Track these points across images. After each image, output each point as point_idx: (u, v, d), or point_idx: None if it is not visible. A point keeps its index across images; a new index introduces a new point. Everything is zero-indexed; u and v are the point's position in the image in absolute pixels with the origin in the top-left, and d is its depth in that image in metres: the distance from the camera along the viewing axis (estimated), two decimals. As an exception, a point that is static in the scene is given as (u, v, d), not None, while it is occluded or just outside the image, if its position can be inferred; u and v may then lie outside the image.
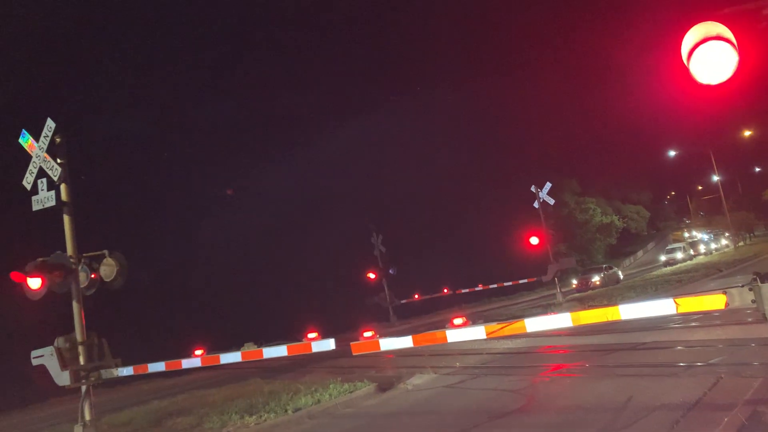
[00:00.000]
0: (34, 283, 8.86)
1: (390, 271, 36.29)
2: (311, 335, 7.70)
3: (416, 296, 37.74)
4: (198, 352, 10.11)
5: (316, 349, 7.41)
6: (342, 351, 8.33)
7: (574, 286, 39.37)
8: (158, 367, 9.65)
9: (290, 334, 16.53)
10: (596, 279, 37.42)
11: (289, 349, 7.91)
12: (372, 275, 36.41)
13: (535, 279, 33.25)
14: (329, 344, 7.31)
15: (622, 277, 40.47)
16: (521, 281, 34.97)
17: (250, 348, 8.47)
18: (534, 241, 28.68)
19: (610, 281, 37.56)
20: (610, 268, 40.75)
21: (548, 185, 29.15)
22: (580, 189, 63.24)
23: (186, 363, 9.48)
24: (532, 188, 29.29)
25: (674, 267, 43.54)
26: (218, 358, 8.93)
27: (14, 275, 8.80)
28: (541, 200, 28.80)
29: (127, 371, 9.52)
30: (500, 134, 58.33)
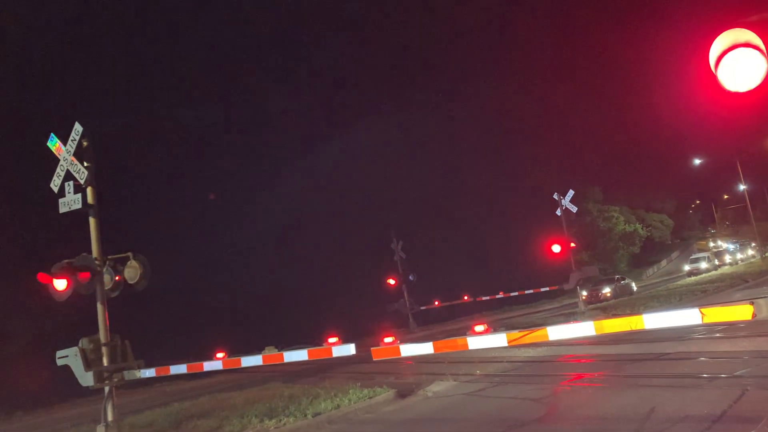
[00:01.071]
0: (60, 284, 9.00)
1: (410, 277, 36.27)
2: (332, 340, 7.71)
3: (436, 303, 37.66)
4: (219, 354, 10.20)
5: (337, 353, 7.43)
6: (362, 357, 8.34)
7: (583, 297, 38.06)
8: (180, 369, 9.75)
9: (311, 338, 16.61)
10: (607, 291, 36.03)
11: (309, 354, 7.93)
12: (392, 281, 36.43)
13: (556, 287, 32.94)
14: (350, 349, 7.32)
15: (635, 288, 39.19)
16: (542, 289, 34.71)
17: (271, 351, 8.51)
18: (555, 249, 28.41)
19: (623, 293, 36.32)
20: (623, 279, 39.33)
21: (571, 193, 28.91)
22: (603, 197, 62.64)
23: (208, 365, 9.56)
24: (555, 196, 29.06)
25: (699, 277, 42.84)
26: (239, 361, 8.99)
27: (41, 276, 8.96)
28: (564, 208, 28.56)
29: (149, 373, 9.62)
30: (523, 141, 58.11)
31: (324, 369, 19.12)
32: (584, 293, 37.23)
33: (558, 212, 28.77)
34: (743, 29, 4.03)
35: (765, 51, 3.99)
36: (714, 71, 4.12)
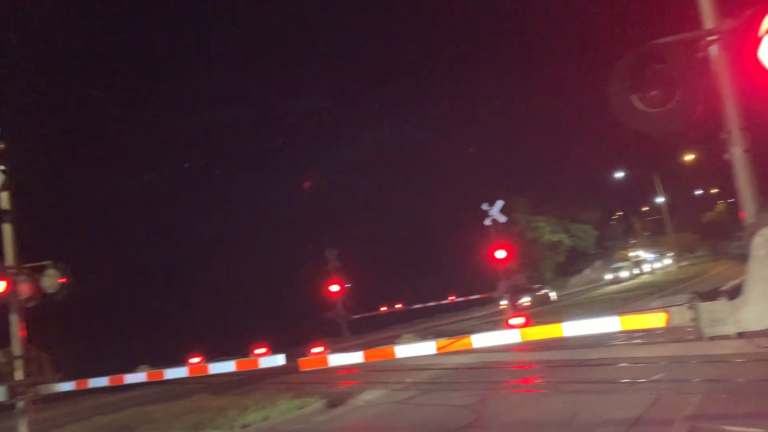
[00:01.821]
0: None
1: (344, 285, 36.19)
2: (259, 351, 7.60)
3: (370, 311, 37.72)
4: (142, 366, 9.86)
5: (265, 364, 7.32)
6: (293, 367, 8.25)
7: (503, 307, 38.19)
8: (101, 382, 9.35)
9: (241, 348, 16.28)
10: (526, 300, 36.06)
11: (237, 365, 7.78)
12: (326, 290, 36.24)
13: (486, 295, 33.61)
14: (278, 360, 7.23)
15: (554, 297, 39.91)
16: (473, 297, 35.33)
17: (196, 363, 8.30)
18: (500, 254, 28.85)
19: (542, 302, 36.91)
20: (541, 288, 40.22)
21: (499, 203, 29.53)
22: (531, 208, 64.42)
23: (130, 378, 9.21)
24: (484, 206, 29.67)
25: (620, 285, 44.65)
26: (162, 373, 8.72)
27: None
28: (493, 218, 29.18)
29: (67, 386, 9.19)
30: (454, 153, 59.06)
31: (254, 379, 18.76)
32: (503, 303, 37.60)
33: (487, 222, 29.38)
34: (655, 51, 4.27)
35: (673, 71, 4.24)
36: (629, 91, 4.34)
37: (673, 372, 10.09)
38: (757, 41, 3.91)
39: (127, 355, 18.42)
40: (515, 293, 36.30)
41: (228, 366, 7.96)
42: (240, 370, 8.20)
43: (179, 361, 10.31)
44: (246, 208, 44.51)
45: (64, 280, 9.37)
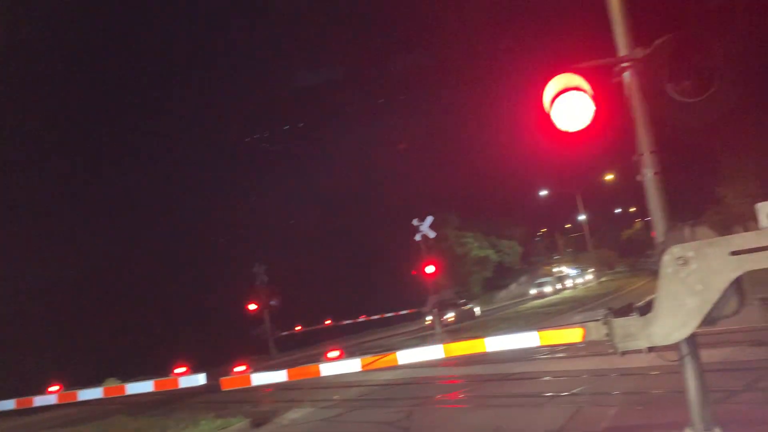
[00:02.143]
0: None
1: (272, 302, 35.64)
2: (179, 370, 7.33)
3: (298, 328, 37.25)
4: (54, 388, 9.32)
5: (185, 384, 7.08)
6: (216, 386, 8.01)
7: (428, 323, 36.07)
8: (7, 405, 8.81)
9: (161, 367, 15.66)
10: (450, 316, 36.21)
11: (155, 385, 7.49)
12: (253, 306, 35.58)
13: (415, 310, 33.88)
14: (199, 379, 7.01)
15: (478, 313, 40.19)
16: (402, 312, 35.48)
17: (112, 383, 7.93)
18: (430, 269, 29.12)
19: (466, 317, 37.15)
20: (466, 303, 40.27)
21: (429, 219, 29.96)
22: (460, 223, 65.58)
23: (39, 400, 8.70)
24: (415, 221, 29.99)
25: (544, 300, 45.98)
26: (75, 394, 8.29)
27: None
28: (423, 233, 29.52)
29: (-32, 411, 8.60)
30: (386, 165, 59.46)
31: (176, 399, 18.11)
32: (429, 319, 37.47)
33: (417, 237, 29.70)
34: (573, 74, 4.42)
35: (591, 94, 4.40)
36: (548, 112, 4.48)
37: (593, 385, 10.40)
38: (665, 70, 4.11)
39: (38, 375, 17.38)
40: (443, 308, 36.64)
41: (146, 386, 7.65)
42: (160, 390, 7.89)
43: (94, 381, 9.83)
44: (167, 218, 43.12)
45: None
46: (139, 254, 38.80)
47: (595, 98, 4.56)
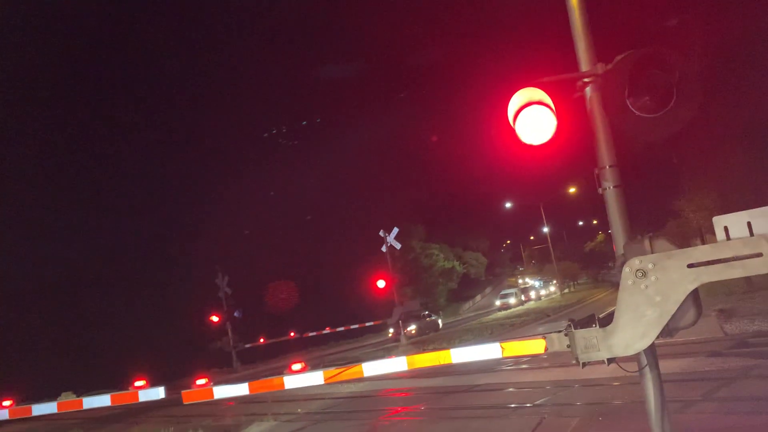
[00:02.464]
0: None
1: (235, 313, 35.14)
2: (138, 383, 7.16)
3: (262, 340, 36.79)
4: (6, 402, 8.97)
5: (144, 398, 6.88)
6: (177, 399, 7.82)
7: (390, 335, 36.53)
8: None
9: (117, 381, 15.27)
10: (412, 328, 35.84)
11: (113, 399, 7.26)
12: (215, 318, 35.03)
13: (380, 322, 33.80)
14: (159, 393, 6.83)
15: (441, 324, 40.03)
16: (368, 324, 35.37)
17: (68, 398, 7.66)
18: (381, 284, 29.26)
19: (429, 329, 37.00)
20: (429, 315, 40.05)
21: (395, 230, 30.07)
22: (426, 235, 65.86)
23: (-10, 416, 8.36)
24: (381, 233, 30.03)
25: (509, 311, 46.42)
26: (30, 409, 7.98)
27: None
28: (389, 244, 29.58)
29: None
30: (351, 178, 59.55)
31: (135, 413, 17.69)
32: (391, 331, 36.49)
33: (383, 248, 29.73)
34: (536, 89, 4.48)
35: (554, 109, 4.46)
36: (512, 126, 4.52)
37: (557, 396, 10.49)
38: (625, 85, 4.19)
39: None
40: (407, 320, 36.51)
41: (103, 400, 7.42)
42: (117, 404, 7.67)
43: (49, 396, 9.50)
44: (134, 231, 42.38)
45: None
46: (99, 263, 37.97)
47: (557, 112, 4.62)
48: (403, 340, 28.84)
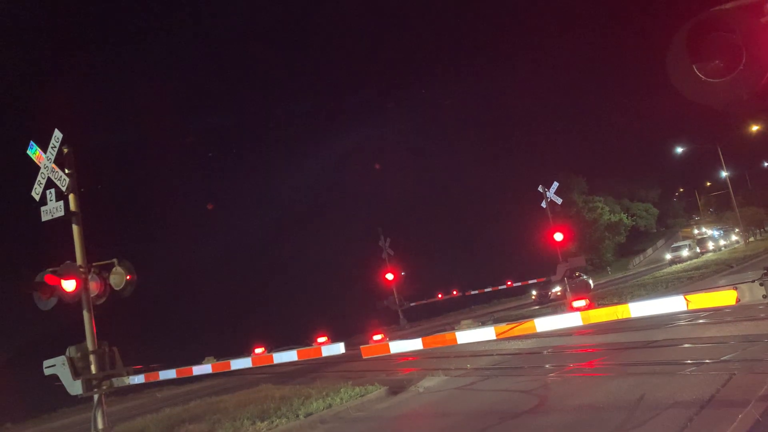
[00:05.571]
0: (46, 291, 8.92)
1: (399, 273, 36.28)
2: (321, 339, 7.70)
3: (425, 299, 37.72)
4: (208, 358, 10.13)
5: (326, 353, 7.43)
6: (352, 355, 8.33)
7: (533, 297, 35.87)
8: (169, 374, 9.68)
9: (301, 339, 16.56)
10: (557, 290, 33.28)
11: (299, 354, 7.92)
12: (381, 278, 36.42)
13: (544, 279, 33.02)
14: (339, 348, 7.32)
15: (592, 285, 36.39)
16: (530, 281, 34.79)
17: (260, 354, 8.48)
18: (558, 237, 28.21)
19: (578, 290, 35.31)
20: (579, 276, 38.42)
21: (555, 185, 28.99)
22: (588, 187, 63.04)
23: (197, 370, 9.49)
24: (540, 188, 29.16)
25: (684, 264, 43.18)
26: (229, 364, 8.95)
27: (49, 278, 8.88)
28: (549, 200, 28.67)
29: (138, 379, 9.56)
30: (508, 133, 58.37)
31: (315, 369, 19.10)
32: (534, 293, 35.61)
33: (543, 204, 28.88)
34: (718, 17, 4.07)
35: (740, 38, 4.03)
36: (689, 61, 4.15)
37: (745, 351, 9.70)
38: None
39: (192, 348, 18.99)
40: (546, 283, 34.87)
41: (291, 355, 8.11)
42: (301, 360, 8.34)
43: (243, 353, 10.53)
44: (301, 201, 45.15)
45: (130, 277, 9.72)
46: (286, 236, 41.18)
47: (743, 41, 4.17)
48: (570, 297, 28.00)
